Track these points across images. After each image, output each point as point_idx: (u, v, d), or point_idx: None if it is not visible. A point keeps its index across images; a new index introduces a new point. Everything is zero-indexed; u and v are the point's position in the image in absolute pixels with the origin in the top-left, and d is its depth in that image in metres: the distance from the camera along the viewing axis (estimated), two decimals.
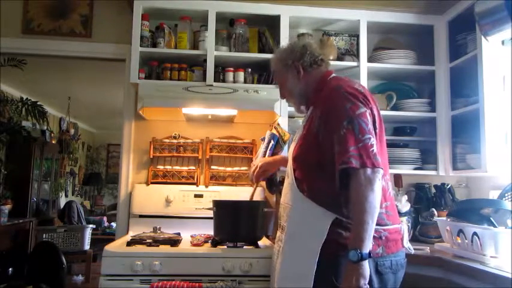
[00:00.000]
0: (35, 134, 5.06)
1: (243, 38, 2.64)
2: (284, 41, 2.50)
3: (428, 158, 2.67)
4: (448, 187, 2.63)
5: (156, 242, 2.14)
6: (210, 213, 2.21)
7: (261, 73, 2.66)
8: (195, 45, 2.63)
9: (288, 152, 1.87)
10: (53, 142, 5.95)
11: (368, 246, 1.42)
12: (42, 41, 2.78)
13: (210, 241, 2.19)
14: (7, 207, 4.22)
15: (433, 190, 2.71)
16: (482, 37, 2.21)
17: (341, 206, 1.52)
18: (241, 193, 2.52)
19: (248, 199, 2.22)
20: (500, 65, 2.28)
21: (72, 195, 7.74)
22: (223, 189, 2.64)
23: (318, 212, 1.56)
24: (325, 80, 1.71)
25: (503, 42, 2.27)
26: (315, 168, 1.60)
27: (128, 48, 2.57)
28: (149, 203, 2.58)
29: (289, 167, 1.72)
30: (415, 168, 2.64)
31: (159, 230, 2.37)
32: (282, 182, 1.89)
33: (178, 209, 2.58)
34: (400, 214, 2.24)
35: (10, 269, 3.93)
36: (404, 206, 2.41)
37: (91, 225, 4.90)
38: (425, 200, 2.68)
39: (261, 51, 2.67)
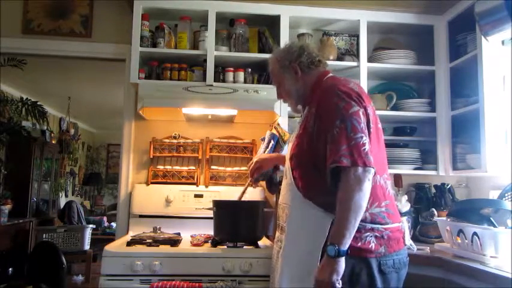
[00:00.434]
0: (35, 134, 5.06)
1: (243, 38, 2.64)
2: (284, 41, 2.50)
3: (428, 158, 2.67)
4: (448, 187, 2.63)
5: (156, 242, 2.14)
6: (210, 213, 2.21)
7: (261, 73, 2.66)
8: (195, 45, 2.63)
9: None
10: (53, 142, 5.94)
11: (347, 243, 1.43)
12: (42, 41, 2.78)
13: (210, 241, 2.19)
14: (7, 207, 4.21)
15: (433, 190, 2.71)
16: (482, 37, 2.21)
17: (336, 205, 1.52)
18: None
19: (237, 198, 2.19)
20: (500, 65, 2.28)
21: (72, 195, 7.73)
22: (223, 189, 2.64)
23: (317, 212, 1.55)
24: (321, 80, 1.71)
25: (503, 42, 2.27)
26: (312, 168, 1.59)
27: (127, 48, 2.58)
28: (149, 203, 2.58)
29: (287, 167, 1.71)
30: (415, 168, 2.64)
31: (159, 230, 2.37)
32: (281, 182, 1.88)
33: (178, 209, 2.58)
34: (400, 214, 2.21)
35: (10, 269, 3.94)
36: (404, 206, 2.40)
37: (91, 225, 4.88)
38: (425, 200, 2.68)
39: (261, 51, 2.67)
